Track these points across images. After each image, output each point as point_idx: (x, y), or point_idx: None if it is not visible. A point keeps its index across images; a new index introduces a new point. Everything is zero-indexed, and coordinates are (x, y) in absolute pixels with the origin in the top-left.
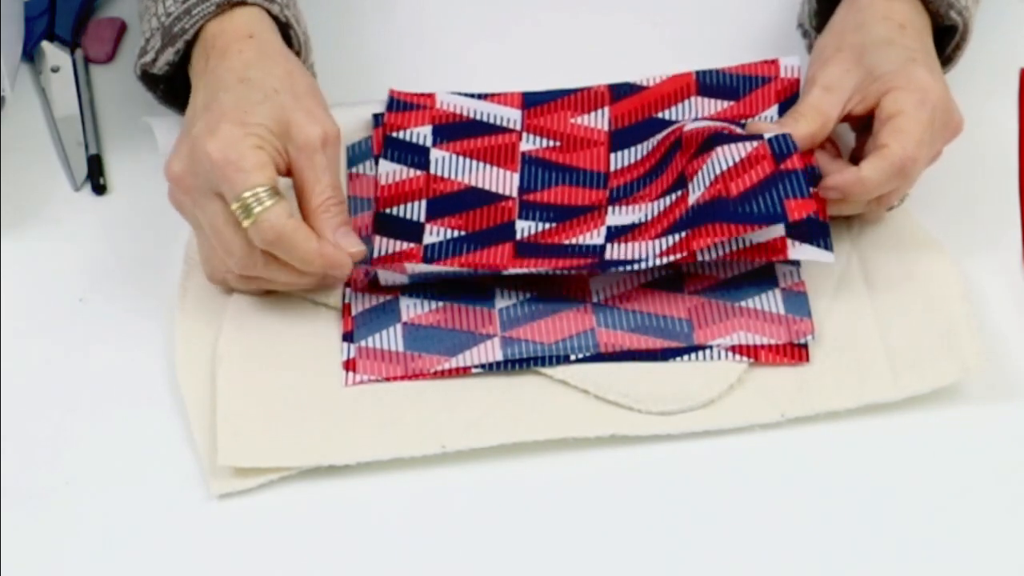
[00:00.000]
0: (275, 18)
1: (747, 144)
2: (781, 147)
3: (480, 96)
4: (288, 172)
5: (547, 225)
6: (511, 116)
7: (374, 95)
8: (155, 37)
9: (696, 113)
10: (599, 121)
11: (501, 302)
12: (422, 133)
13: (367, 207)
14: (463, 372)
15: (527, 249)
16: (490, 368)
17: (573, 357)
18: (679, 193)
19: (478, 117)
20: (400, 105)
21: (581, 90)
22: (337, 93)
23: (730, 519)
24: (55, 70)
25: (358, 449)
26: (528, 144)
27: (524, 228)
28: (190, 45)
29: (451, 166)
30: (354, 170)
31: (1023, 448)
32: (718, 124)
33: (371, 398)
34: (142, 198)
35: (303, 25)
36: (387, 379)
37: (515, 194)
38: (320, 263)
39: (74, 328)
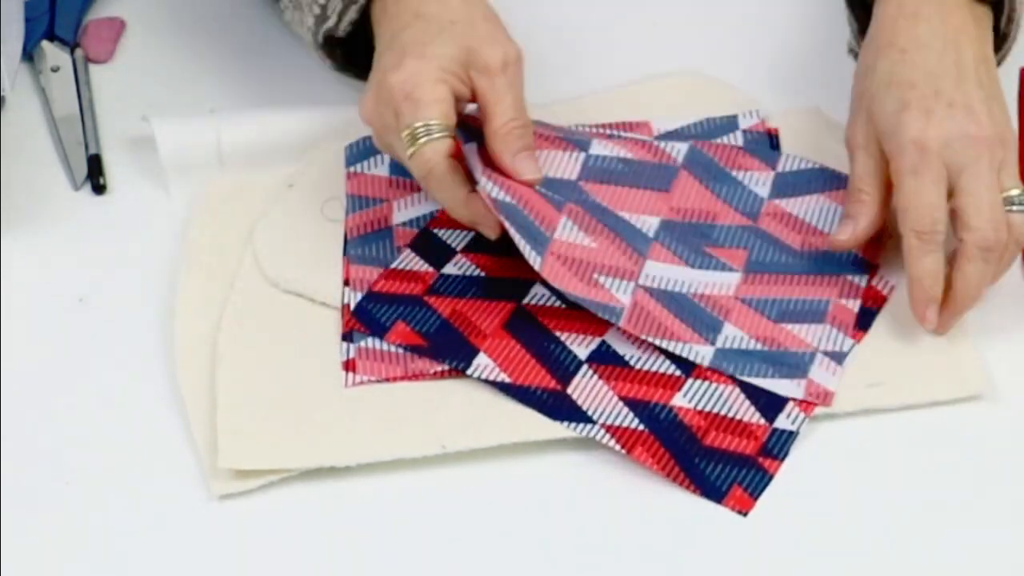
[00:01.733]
0: None
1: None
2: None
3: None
4: (474, 98)
5: (554, 303)
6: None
7: None
8: (332, 1)
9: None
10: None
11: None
12: None
13: (364, 206)
14: (463, 373)
15: (518, 323)
16: None
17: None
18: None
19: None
20: None
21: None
22: (347, 92)
23: (731, 520)
24: (55, 70)
25: (358, 450)
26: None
27: (535, 296)
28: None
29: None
30: (353, 169)
31: (1023, 448)
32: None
33: (371, 399)
34: (142, 198)
35: None
36: (387, 379)
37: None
38: (465, 213)
39: (74, 328)
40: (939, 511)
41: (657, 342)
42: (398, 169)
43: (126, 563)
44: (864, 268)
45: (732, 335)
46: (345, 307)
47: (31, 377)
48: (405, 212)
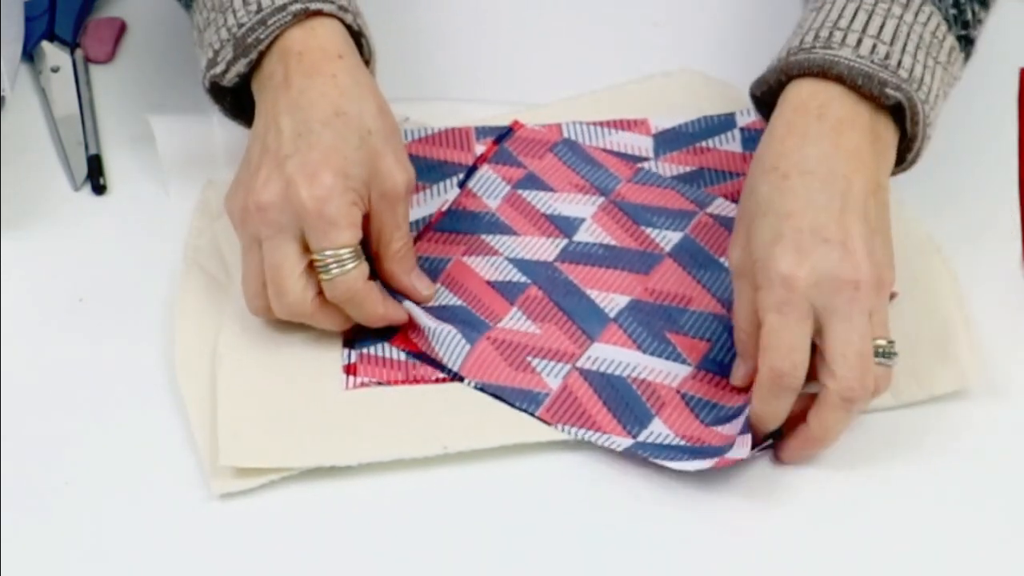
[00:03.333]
0: (348, 27)
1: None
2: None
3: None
4: (366, 218)
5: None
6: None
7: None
8: (225, 48)
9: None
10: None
11: (505, 323)
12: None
13: None
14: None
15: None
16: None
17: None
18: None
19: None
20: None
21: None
22: None
23: (730, 519)
24: (55, 70)
25: (359, 450)
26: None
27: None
28: (263, 55)
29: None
30: None
31: (1023, 448)
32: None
33: (372, 398)
34: (142, 198)
35: (370, 32)
36: (388, 383)
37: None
38: (379, 324)
39: (74, 328)
40: (941, 511)
41: (572, 432)
42: None
43: (126, 563)
44: None
45: (657, 432)
46: None
47: (31, 377)
48: None
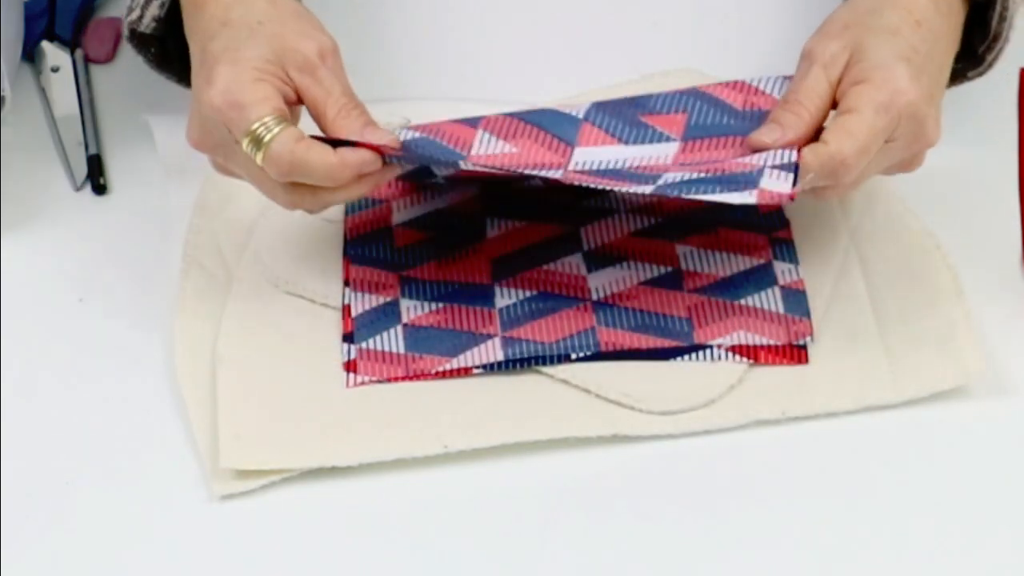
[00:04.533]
0: None
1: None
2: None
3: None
4: (299, 99)
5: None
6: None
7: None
8: None
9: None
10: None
11: (501, 301)
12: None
13: (364, 206)
14: (464, 373)
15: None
16: (491, 368)
17: (574, 356)
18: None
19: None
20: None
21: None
22: None
23: (731, 519)
24: (55, 70)
25: (360, 450)
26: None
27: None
28: (176, 1)
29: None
30: None
31: (1023, 448)
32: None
33: (372, 398)
34: (142, 198)
35: None
36: (388, 380)
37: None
38: (347, 172)
39: (74, 328)
40: (941, 511)
41: (594, 184)
42: None
43: (126, 563)
44: None
45: (672, 176)
46: (346, 308)
47: (31, 377)
48: (405, 212)
